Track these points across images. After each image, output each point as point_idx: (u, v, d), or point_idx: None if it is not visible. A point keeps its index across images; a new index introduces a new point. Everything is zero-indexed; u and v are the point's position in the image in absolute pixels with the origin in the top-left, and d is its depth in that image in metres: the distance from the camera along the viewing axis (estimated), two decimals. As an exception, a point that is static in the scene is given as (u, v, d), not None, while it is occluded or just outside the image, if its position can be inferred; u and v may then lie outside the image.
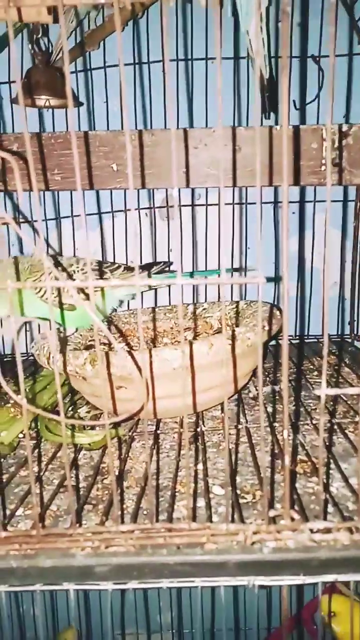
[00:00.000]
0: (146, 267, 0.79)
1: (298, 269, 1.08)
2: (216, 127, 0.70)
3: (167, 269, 0.81)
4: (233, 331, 0.61)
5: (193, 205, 1.07)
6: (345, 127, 0.68)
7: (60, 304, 0.67)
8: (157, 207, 1.07)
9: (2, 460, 0.63)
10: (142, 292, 0.92)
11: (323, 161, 0.68)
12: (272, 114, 0.95)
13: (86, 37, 0.89)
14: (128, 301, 1.02)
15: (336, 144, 0.68)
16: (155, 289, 1.05)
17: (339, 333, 1.08)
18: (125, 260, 1.07)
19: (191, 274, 0.89)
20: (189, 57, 0.99)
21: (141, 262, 0.97)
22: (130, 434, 0.67)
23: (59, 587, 0.46)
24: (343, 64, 0.99)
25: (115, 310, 0.81)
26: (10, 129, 0.98)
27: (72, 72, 0.96)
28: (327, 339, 0.40)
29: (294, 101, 1.02)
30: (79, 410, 0.73)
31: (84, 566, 0.43)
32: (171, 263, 1.00)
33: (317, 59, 1.00)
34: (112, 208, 1.05)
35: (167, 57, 0.36)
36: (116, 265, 0.77)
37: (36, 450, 0.65)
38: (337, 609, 0.82)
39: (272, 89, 0.84)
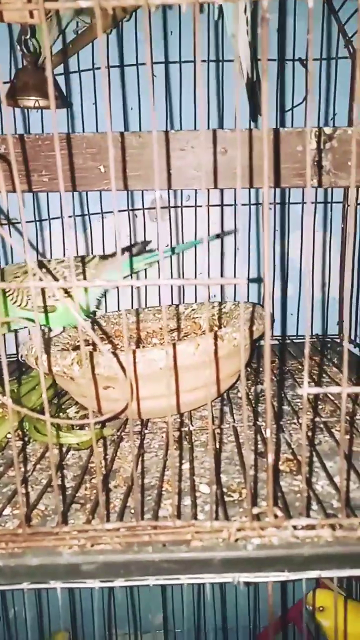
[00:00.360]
0: (125, 250, 0.79)
1: (282, 270, 1.10)
2: (202, 130, 0.71)
3: (145, 249, 0.81)
4: (216, 332, 0.62)
5: (182, 206, 1.08)
6: (329, 130, 0.69)
7: (45, 306, 0.67)
8: (147, 209, 1.08)
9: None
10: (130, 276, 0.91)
11: (309, 163, 0.69)
12: (259, 117, 0.96)
13: (73, 41, 0.89)
14: (118, 300, 1.02)
15: (321, 147, 0.69)
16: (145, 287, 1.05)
17: (326, 333, 1.10)
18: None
19: (173, 250, 0.90)
20: (177, 59, 1.00)
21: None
22: (118, 433, 0.68)
23: (46, 585, 0.47)
24: (329, 67, 1.01)
25: (100, 302, 0.81)
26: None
27: (61, 74, 0.96)
28: (308, 337, 0.41)
29: (277, 104, 1.03)
30: (67, 411, 0.73)
31: (70, 564, 0.44)
32: (149, 242, 1.00)
33: (305, 62, 1.02)
34: (101, 209, 1.05)
35: (149, 60, 0.37)
36: (91, 256, 0.78)
37: (25, 451, 0.65)
38: (325, 603, 0.83)
39: (257, 93, 0.85)
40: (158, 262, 0.81)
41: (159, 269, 1.05)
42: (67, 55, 0.92)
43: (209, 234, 1.06)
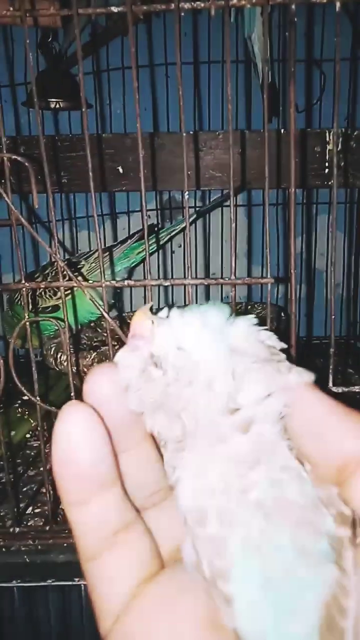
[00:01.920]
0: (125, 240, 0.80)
1: (302, 270, 1.09)
2: (221, 131, 0.71)
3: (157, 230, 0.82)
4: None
5: (195, 207, 1.08)
6: (348, 131, 0.69)
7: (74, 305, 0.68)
8: (160, 209, 1.08)
9: (10, 460, 0.63)
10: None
11: (326, 164, 0.69)
12: (273, 118, 0.96)
13: (88, 43, 0.90)
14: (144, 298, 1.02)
15: (339, 147, 0.69)
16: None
17: (341, 335, 1.09)
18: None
19: (198, 213, 0.89)
20: (192, 60, 1.00)
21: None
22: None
23: (70, 582, 0.47)
24: (345, 68, 1.01)
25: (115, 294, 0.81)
26: (12, 130, 0.99)
27: (75, 75, 0.97)
28: (333, 336, 0.41)
29: (296, 104, 1.03)
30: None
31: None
32: (156, 225, 1.00)
33: (319, 63, 1.02)
34: (114, 209, 1.05)
35: (179, 61, 0.37)
36: (92, 251, 0.78)
37: (44, 451, 0.65)
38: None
39: (273, 94, 0.85)
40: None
41: (184, 269, 1.05)
42: (83, 57, 0.92)
43: (235, 236, 1.07)
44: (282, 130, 0.66)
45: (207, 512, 0.18)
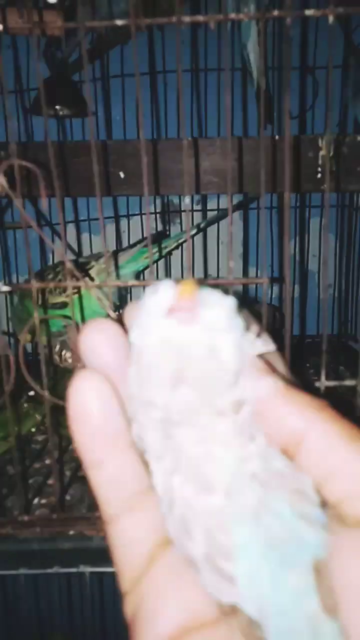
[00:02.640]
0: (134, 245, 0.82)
1: (295, 272, 1.12)
2: (218, 138, 0.73)
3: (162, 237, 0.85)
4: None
5: (193, 210, 1.10)
6: (340, 137, 0.72)
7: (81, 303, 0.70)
8: (159, 213, 1.10)
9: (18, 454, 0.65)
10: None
11: (319, 169, 0.72)
12: (268, 125, 0.99)
13: (89, 50, 0.92)
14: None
15: (331, 153, 0.72)
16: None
17: (333, 333, 1.12)
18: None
19: (199, 227, 0.92)
20: (189, 68, 1.03)
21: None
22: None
23: (76, 569, 0.50)
24: (337, 75, 1.04)
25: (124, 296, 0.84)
26: (21, 137, 1.01)
27: (79, 81, 0.99)
28: (325, 333, 0.43)
29: (289, 111, 1.06)
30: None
31: (100, 549, 0.46)
32: (164, 232, 1.02)
33: (312, 70, 1.05)
34: (118, 213, 1.08)
35: (179, 73, 0.40)
36: (101, 253, 0.81)
37: (47, 445, 0.67)
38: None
39: (267, 101, 0.88)
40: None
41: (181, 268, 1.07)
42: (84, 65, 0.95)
43: (218, 237, 1.09)
44: (277, 137, 0.69)
45: (211, 483, 0.18)
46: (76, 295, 0.72)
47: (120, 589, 0.20)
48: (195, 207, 1.11)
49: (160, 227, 1.11)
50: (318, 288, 1.16)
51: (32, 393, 0.70)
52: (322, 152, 0.73)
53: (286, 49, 0.42)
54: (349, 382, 0.44)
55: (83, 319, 0.72)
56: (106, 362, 0.20)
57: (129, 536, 0.20)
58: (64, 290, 0.74)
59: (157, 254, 0.81)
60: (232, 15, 0.39)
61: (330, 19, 0.40)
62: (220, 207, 1.09)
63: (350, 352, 1.02)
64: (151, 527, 0.20)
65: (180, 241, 0.83)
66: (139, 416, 0.19)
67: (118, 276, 0.78)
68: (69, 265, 0.39)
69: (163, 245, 0.81)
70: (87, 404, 0.19)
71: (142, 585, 0.19)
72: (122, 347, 0.20)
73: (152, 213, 1.10)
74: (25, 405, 0.69)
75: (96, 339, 0.20)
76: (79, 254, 1.03)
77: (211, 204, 1.11)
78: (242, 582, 0.17)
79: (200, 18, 0.40)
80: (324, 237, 0.45)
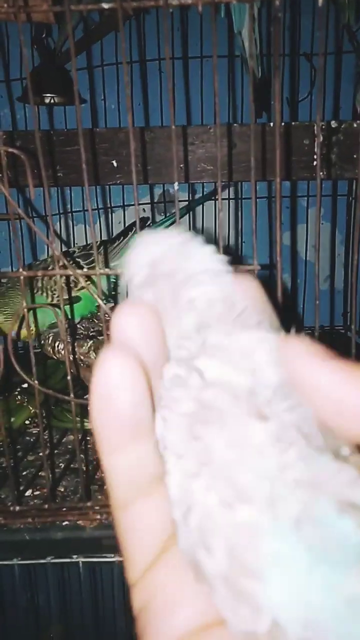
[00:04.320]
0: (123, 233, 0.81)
1: (291, 262, 1.12)
2: (212, 125, 0.73)
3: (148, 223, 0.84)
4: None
5: (189, 199, 1.09)
6: (335, 124, 0.70)
7: (70, 298, 0.69)
8: (156, 203, 1.09)
9: (10, 446, 0.65)
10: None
11: (315, 156, 0.71)
12: (264, 113, 0.98)
13: (81, 39, 0.91)
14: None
15: (326, 140, 0.71)
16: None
17: (331, 325, 1.12)
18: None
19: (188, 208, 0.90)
20: (181, 56, 1.01)
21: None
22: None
23: (69, 559, 0.50)
24: (333, 61, 1.02)
25: (116, 286, 0.83)
26: (7, 125, 1.00)
27: (69, 71, 0.98)
28: (317, 325, 0.43)
29: (287, 98, 1.05)
30: (85, 398, 0.75)
31: (93, 538, 0.46)
32: (148, 219, 1.02)
33: (309, 56, 1.03)
34: (110, 203, 1.07)
35: (168, 58, 0.39)
36: (99, 242, 0.80)
37: (43, 438, 0.67)
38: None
39: (264, 88, 0.87)
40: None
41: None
42: (77, 53, 0.94)
43: (229, 227, 1.08)
44: (271, 124, 0.68)
45: (244, 493, 0.16)
46: (75, 289, 0.71)
47: (128, 578, 0.19)
48: (190, 197, 1.10)
49: (157, 218, 1.10)
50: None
51: (25, 385, 0.70)
52: (318, 139, 0.72)
53: (275, 31, 0.41)
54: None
55: (72, 310, 0.72)
56: (138, 345, 0.18)
57: (142, 523, 0.19)
58: (76, 284, 0.72)
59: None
60: (221, -3, 0.38)
61: (320, 1, 0.40)
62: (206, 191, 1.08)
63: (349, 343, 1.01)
64: (166, 516, 0.18)
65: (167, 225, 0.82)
66: (164, 409, 0.18)
67: (108, 266, 0.77)
68: (57, 253, 0.39)
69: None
70: (113, 389, 0.18)
71: (154, 578, 0.18)
72: (155, 333, 0.19)
73: (147, 203, 1.09)
74: (19, 397, 0.69)
75: (129, 322, 0.19)
76: (69, 245, 1.03)
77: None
78: (278, 600, 0.16)
79: (188, 0, 0.40)
80: (317, 223, 0.45)
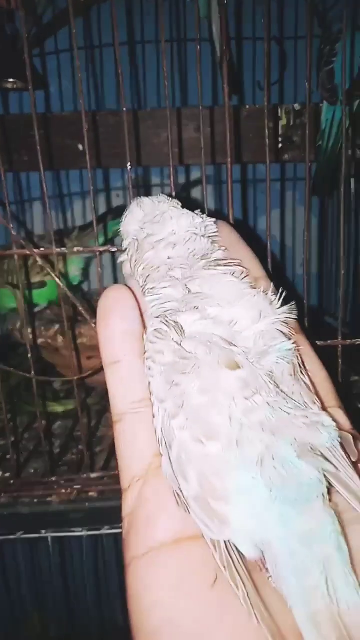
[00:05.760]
0: (101, 219, 0.82)
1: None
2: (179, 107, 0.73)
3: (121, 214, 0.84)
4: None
5: (163, 185, 1.10)
6: (299, 107, 0.72)
7: (29, 283, 0.70)
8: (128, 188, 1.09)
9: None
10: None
11: (280, 139, 0.72)
12: (234, 96, 0.98)
13: (49, 24, 0.90)
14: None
15: (291, 123, 0.72)
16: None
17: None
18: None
19: None
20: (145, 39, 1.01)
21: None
22: (102, 403, 0.71)
23: (38, 535, 0.51)
24: (303, 45, 1.02)
25: (83, 272, 0.84)
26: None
27: (37, 56, 0.97)
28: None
29: (258, 82, 1.05)
30: (52, 384, 0.76)
31: (59, 512, 0.48)
32: (124, 207, 1.02)
33: (280, 40, 1.03)
34: (82, 189, 1.07)
35: (118, 41, 0.40)
36: (71, 228, 0.80)
37: (14, 422, 0.68)
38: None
39: (232, 72, 0.87)
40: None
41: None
42: (44, 38, 0.93)
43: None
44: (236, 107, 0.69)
45: (211, 431, 0.19)
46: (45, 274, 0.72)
47: (121, 484, 0.22)
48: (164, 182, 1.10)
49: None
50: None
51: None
52: (282, 122, 0.73)
53: (221, 15, 0.42)
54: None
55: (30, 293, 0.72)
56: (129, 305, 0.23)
57: (131, 435, 0.22)
58: (42, 269, 0.73)
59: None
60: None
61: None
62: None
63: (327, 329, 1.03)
64: (151, 436, 0.21)
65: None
66: (148, 360, 0.21)
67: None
68: (14, 234, 0.40)
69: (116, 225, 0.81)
70: (113, 306, 0.23)
71: (141, 491, 0.21)
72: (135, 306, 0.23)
73: (119, 188, 1.09)
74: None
75: (116, 297, 0.23)
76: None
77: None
78: (239, 522, 0.18)
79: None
80: (268, 211, 0.46)
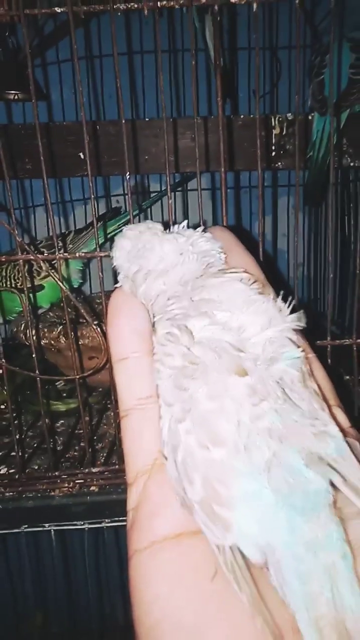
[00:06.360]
0: (100, 219, 0.84)
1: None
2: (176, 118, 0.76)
3: (117, 215, 0.87)
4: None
5: (161, 191, 1.12)
6: (291, 116, 0.74)
7: (33, 285, 0.72)
8: (127, 194, 1.12)
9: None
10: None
11: (272, 147, 0.75)
12: (230, 103, 1.01)
13: (49, 36, 0.93)
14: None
15: (284, 132, 0.75)
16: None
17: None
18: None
19: (140, 207, 0.94)
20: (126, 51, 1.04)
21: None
22: (104, 402, 0.73)
23: (41, 528, 0.53)
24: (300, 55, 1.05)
25: (82, 274, 0.86)
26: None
27: (38, 66, 1.00)
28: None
29: (254, 90, 1.08)
30: (55, 384, 0.79)
31: (62, 505, 0.50)
32: (120, 207, 1.05)
33: (274, 50, 1.06)
34: (83, 196, 1.09)
35: (116, 52, 0.42)
36: (68, 231, 0.83)
37: (18, 420, 0.70)
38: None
39: (226, 81, 0.90)
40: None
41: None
42: (45, 49, 0.96)
43: (200, 217, 1.11)
44: (231, 117, 0.71)
45: (218, 437, 0.19)
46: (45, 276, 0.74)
47: (127, 478, 0.22)
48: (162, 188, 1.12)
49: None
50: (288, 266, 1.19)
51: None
52: (275, 131, 0.75)
53: (215, 34, 0.44)
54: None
55: (34, 297, 0.74)
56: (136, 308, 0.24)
57: (138, 430, 0.22)
58: (39, 273, 0.76)
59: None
60: (164, 2, 0.42)
61: (255, 6, 0.43)
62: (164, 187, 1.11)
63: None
64: (157, 433, 0.22)
65: (123, 221, 0.86)
66: (157, 363, 0.21)
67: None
68: (18, 239, 0.42)
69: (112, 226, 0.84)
70: (122, 305, 0.24)
71: (146, 486, 0.21)
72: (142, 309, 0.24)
73: (119, 195, 1.11)
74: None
75: (124, 300, 0.24)
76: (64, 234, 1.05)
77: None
78: (244, 527, 0.18)
79: (134, 5, 0.43)
80: (261, 217, 0.48)
